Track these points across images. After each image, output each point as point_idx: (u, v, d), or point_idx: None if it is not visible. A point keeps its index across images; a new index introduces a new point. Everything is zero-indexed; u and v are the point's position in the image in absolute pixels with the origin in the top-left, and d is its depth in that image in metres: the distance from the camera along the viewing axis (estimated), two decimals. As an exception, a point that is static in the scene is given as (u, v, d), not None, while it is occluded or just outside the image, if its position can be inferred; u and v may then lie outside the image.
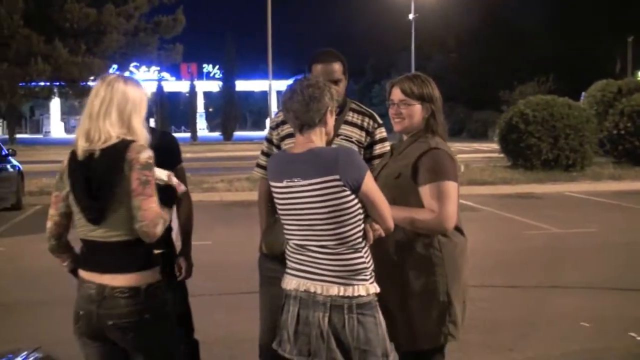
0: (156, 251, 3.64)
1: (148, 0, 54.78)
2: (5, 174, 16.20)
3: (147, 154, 3.45)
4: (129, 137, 3.49)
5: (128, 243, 3.46)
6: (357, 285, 3.41)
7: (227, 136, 65.37)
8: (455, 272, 4.01)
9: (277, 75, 63.54)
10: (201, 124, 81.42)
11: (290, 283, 3.54)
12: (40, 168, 25.34)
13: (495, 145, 27.53)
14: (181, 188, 3.71)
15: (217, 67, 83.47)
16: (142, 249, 3.49)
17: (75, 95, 60.00)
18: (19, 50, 49.60)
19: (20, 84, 52.52)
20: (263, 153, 4.69)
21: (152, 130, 3.75)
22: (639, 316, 7.59)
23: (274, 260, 4.14)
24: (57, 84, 55.07)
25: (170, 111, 67.52)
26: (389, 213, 3.50)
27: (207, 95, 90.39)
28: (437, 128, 4.07)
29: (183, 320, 4.53)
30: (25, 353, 3.88)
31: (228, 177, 21.59)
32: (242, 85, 76.37)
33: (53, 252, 3.72)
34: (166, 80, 74.55)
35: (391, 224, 3.52)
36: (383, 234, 3.53)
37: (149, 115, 3.73)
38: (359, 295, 3.41)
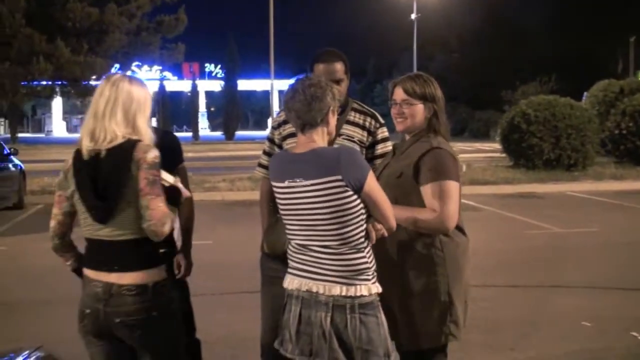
0: (160, 250, 3.64)
1: (150, -1, 54.78)
2: (7, 173, 16.20)
3: (154, 154, 3.46)
4: (134, 137, 3.50)
5: (135, 242, 3.47)
6: (360, 285, 3.41)
7: (229, 136, 65.36)
8: (457, 272, 4.01)
9: (279, 75, 63.57)
10: (203, 123, 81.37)
11: (292, 283, 3.54)
12: (42, 167, 25.33)
13: (497, 145, 27.52)
14: (186, 193, 3.73)
15: (219, 66, 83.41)
16: (148, 248, 3.51)
17: (77, 95, 60.09)
18: (21, 49, 49.64)
19: (22, 83, 52.54)
20: (265, 153, 4.69)
21: (154, 130, 3.75)
22: (641, 316, 7.60)
23: (275, 259, 4.14)
24: (59, 83, 55.10)
25: (172, 110, 67.56)
26: (392, 213, 3.50)
27: (209, 94, 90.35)
28: (440, 128, 4.07)
29: (185, 319, 4.53)
30: (27, 352, 3.87)
31: (230, 176, 21.60)
32: (244, 84, 76.33)
33: (56, 251, 3.72)
34: (168, 79, 74.55)
35: (394, 224, 3.52)
36: (386, 234, 3.53)
37: (151, 114, 3.74)
38: (362, 295, 3.41)
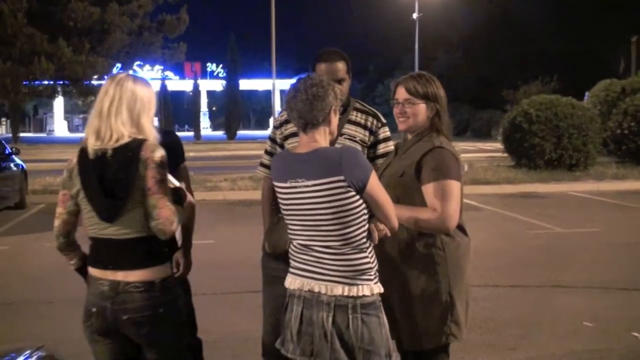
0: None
1: (152, -1, 54.90)
2: (9, 172, 16.19)
3: (160, 153, 3.49)
4: (140, 136, 3.51)
5: (140, 240, 3.50)
6: (362, 285, 3.41)
7: (231, 135, 65.32)
8: (458, 272, 4.00)
9: (281, 74, 63.67)
10: (204, 122, 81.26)
11: (294, 283, 3.54)
12: (44, 167, 25.35)
13: (498, 145, 27.50)
14: (190, 200, 3.75)
15: (220, 66, 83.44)
16: (154, 246, 3.54)
17: (79, 94, 60.21)
18: (23, 49, 49.75)
19: (24, 83, 52.64)
20: (267, 152, 4.70)
21: (156, 129, 3.76)
22: (642, 316, 7.59)
23: (277, 259, 4.14)
24: (61, 82, 55.19)
25: (173, 110, 67.46)
26: (394, 213, 3.49)
27: (211, 94, 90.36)
28: (442, 127, 4.07)
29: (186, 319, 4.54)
30: (28, 352, 3.88)
31: (231, 176, 21.59)
32: (245, 84, 76.32)
33: (61, 250, 3.72)
34: (170, 79, 74.57)
35: (396, 224, 3.52)
36: (389, 234, 3.53)
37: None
38: (364, 295, 3.40)
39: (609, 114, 27.03)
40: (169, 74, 76.55)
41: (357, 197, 3.35)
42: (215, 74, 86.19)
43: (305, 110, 3.42)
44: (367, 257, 3.44)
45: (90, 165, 3.49)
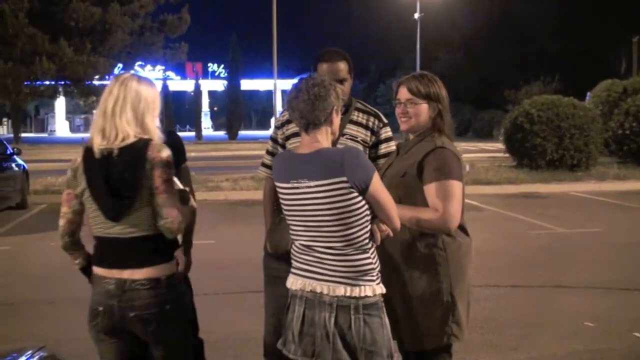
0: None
1: (153, -1, 54.95)
2: (10, 172, 16.20)
3: (167, 153, 3.52)
4: (145, 136, 3.53)
5: (146, 238, 3.52)
6: (364, 285, 3.40)
7: (232, 135, 65.34)
8: (460, 272, 4.00)
9: (282, 74, 63.64)
10: (206, 123, 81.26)
11: (295, 283, 3.53)
12: (45, 167, 25.38)
13: (500, 145, 27.48)
14: (192, 204, 3.78)
15: (222, 66, 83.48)
16: (159, 244, 3.56)
17: (80, 94, 60.20)
18: (24, 49, 49.78)
19: (25, 83, 52.67)
20: (268, 152, 4.70)
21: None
22: (644, 316, 7.59)
23: (279, 259, 4.15)
24: (62, 82, 55.23)
25: (175, 110, 67.52)
26: (396, 213, 3.48)
27: (212, 94, 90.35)
28: (444, 127, 4.06)
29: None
30: (29, 352, 3.87)
31: (233, 176, 21.60)
32: (247, 84, 76.36)
33: (67, 249, 3.74)
34: (171, 79, 74.59)
35: (398, 224, 3.51)
36: (391, 234, 3.52)
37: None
38: (366, 296, 3.40)
39: (610, 114, 27.00)
40: (171, 74, 76.55)
41: (360, 198, 3.34)
42: (216, 74, 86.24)
43: (307, 111, 3.41)
44: (369, 257, 3.43)
45: (96, 164, 3.50)
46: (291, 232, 3.58)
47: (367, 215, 3.40)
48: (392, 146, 4.46)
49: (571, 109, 23.34)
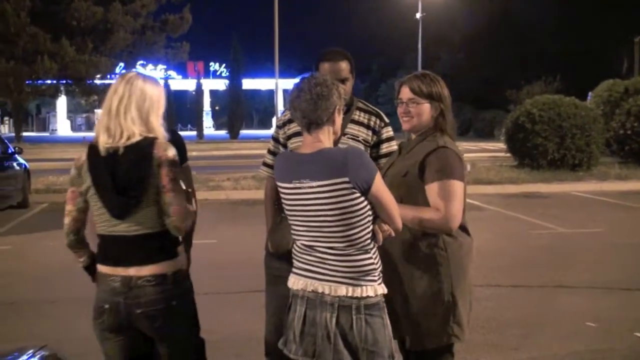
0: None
1: (155, -2, 55.01)
2: (12, 171, 16.21)
3: (173, 151, 3.55)
4: (150, 135, 3.55)
5: (151, 235, 3.54)
6: (366, 285, 3.40)
7: (234, 134, 65.34)
8: (461, 272, 4.00)
9: (284, 74, 63.55)
10: (207, 122, 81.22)
11: (297, 283, 3.53)
12: (47, 166, 25.39)
13: (501, 145, 27.46)
14: (193, 206, 3.80)
15: (223, 65, 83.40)
16: (164, 241, 3.58)
17: (82, 94, 60.27)
18: (26, 48, 49.84)
19: (27, 82, 52.72)
20: (270, 152, 4.71)
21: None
22: (645, 317, 7.59)
23: (280, 259, 4.15)
24: (64, 82, 55.28)
25: (176, 109, 67.47)
26: (398, 213, 3.48)
27: (214, 93, 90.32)
28: (446, 127, 4.06)
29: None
30: (31, 351, 3.87)
31: (234, 175, 21.60)
32: (248, 83, 76.33)
33: (72, 247, 3.75)
34: (173, 78, 74.53)
35: (400, 225, 3.50)
36: (393, 234, 3.52)
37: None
38: (368, 296, 3.39)
39: (612, 114, 26.97)
40: (172, 73, 76.52)
41: (362, 198, 3.33)
42: (218, 73, 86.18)
43: (309, 110, 3.40)
44: (371, 258, 3.43)
45: (102, 162, 3.52)
46: (293, 232, 3.57)
47: (369, 215, 3.39)
48: (393, 146, 4.46)
49: (573, 109, 23.34)
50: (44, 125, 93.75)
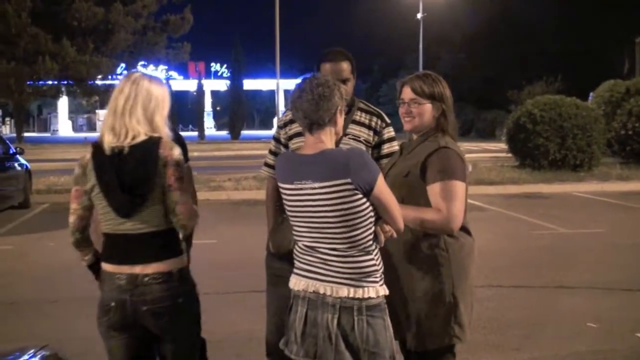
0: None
1: (156, -1, 55.03)
2: (13, 172, 16.21)
3: (178, 150, 3.58)
4: (155, 134, 3.57)
5: (156, 234, 3.56)
6: (367, 287, 3.39)
7: (235, 135, 65.33)
8: (462, 273, 3.99)
9: (285, 74, 63.58)
10: (209, 122, 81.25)
11: (298, 284, 3.52)
12: (48, 166, 25.41)
13: (503, 145, 27.45)
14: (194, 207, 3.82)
15: (224, 66, 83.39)
16: (169, 239, 3.62)
17: (83, 94, 60.31)
18: (27, 49, 49.87)
19: (28, 83, 52.76)
20: (271, 152, 4.71)
21: None
22: (647, 317, 7.58)
23: (281, 259, 4.15)
24: (65, 82, 55.29)
25: (177, 110, 67.50)
26: (400, 214, 3.47)
27: (215, 94, 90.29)
28: (448, 127, 4.05)
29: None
30: (32, 351, 3.87)
31: (235, 175, 21.60)
32: (249, 84, 76.29)
33: (77, 245, 3.76)
34: (174, 79, 74.53)
35: (402, 226, 3.50)
36: (395, 236, 3.52)
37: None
38: (369, 297, 3.39)
39: (613, 114, 26.96)
40: (173, 73, 76.56)
41: (364, 200, 3.33)
42: (219, 73, 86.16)
43: (311, 111, 3.40)
44: (373, 259, 3.42)
45: (107, 161, 3.53)
46: (294, 233, 3.56)
47: (371, 216, 3.39)
48: (394, 146, 4.45)
49: (574, 109, 23.34)
50: (45, 126, 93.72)
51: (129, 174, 3.49)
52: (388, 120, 4.53)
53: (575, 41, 62.57)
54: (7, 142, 17.38)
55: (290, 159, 3.58)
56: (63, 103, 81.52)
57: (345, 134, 4.25)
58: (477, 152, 37.75)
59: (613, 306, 8.03)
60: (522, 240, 12.35)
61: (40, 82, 54.18)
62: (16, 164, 16.62)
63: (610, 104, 27.91)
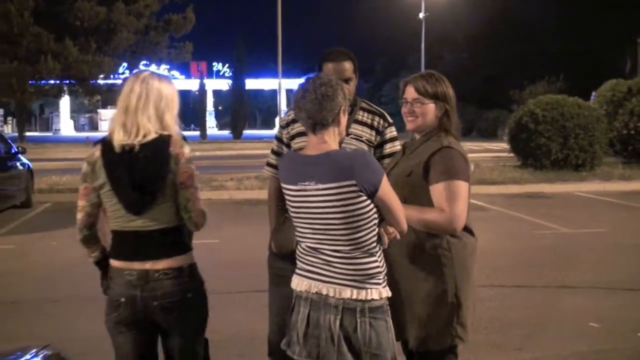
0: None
1: (158, -2, 55.06)
2: (15, 171, 16.22)
3: (188, 148, 3.62)
4: (165, 133, 3.59)
5: (165, 231, 3.59)
6: (371, 288, 3.39)
7: (237, 134, 65.30)
8: (465, 273, 3.98)
9: (287, 74, 63.54)
10: (211, 122, 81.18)
11: (301, 284, 3.52)
12: (50, 166, 25.42)
13: (505, 145, 27.45)
14: None
15: (226, 65, 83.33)
16: (180, 235, 3.65)
17: (85, 94, 60.34)
18: (29, 48, 49.91)
19: (30, 82, 52.77)
20: (273, 152, 4.70)
21: None
22: (649, 317, 7.58)
23: (283, 259, 4.15)
24: (67, 82, 55.30)
25: (179, 109, 67.54)
26: (404, 216, 3.46)
27: (217, 93, 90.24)
28: (450, 127, 4.05)
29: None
30: (34, 350, 3.88)
31: (237, 175, 21.60)
32: (251, 83, 76.25)
33: (86, 242, 3.77)
34: (176, 78, 74.45)
35: (405, 227, 3.49)
36: (398, 237, 3.51)
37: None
38: (372, 299, 3.38)
39: (615, 114, 26.93)
40: (175, 73, 76.48)
41: (368, 201, 3.32)
42: (221, 73, 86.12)
43: (315, 111, 3.39)
44: (376, 261, 3.42)
45: (117, 158, 3.55)
46: (297, 233, 3.56)
47: (375, 218, 3.38)
48: (397, 146, 4.45)
49: (576, 109, 23.32)
50: (47, 125, 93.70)
51: (140, 171, 3.51)
52: (390, 120, 4.52)
53: (575, 41, 62.58)
54: (9, 141, 17.38)
55: (294, 159, 3.57)
56: (65, 102, 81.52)
57: (347, 134, 4.24)
58: (479, 151, 37.73)
59: (615, 306, 8.03)
60: (524, 240, 12.34)
61: (43, 82, 54.20)
62: (18, 164, 16.63)
63: (612, 103, 27.89)
